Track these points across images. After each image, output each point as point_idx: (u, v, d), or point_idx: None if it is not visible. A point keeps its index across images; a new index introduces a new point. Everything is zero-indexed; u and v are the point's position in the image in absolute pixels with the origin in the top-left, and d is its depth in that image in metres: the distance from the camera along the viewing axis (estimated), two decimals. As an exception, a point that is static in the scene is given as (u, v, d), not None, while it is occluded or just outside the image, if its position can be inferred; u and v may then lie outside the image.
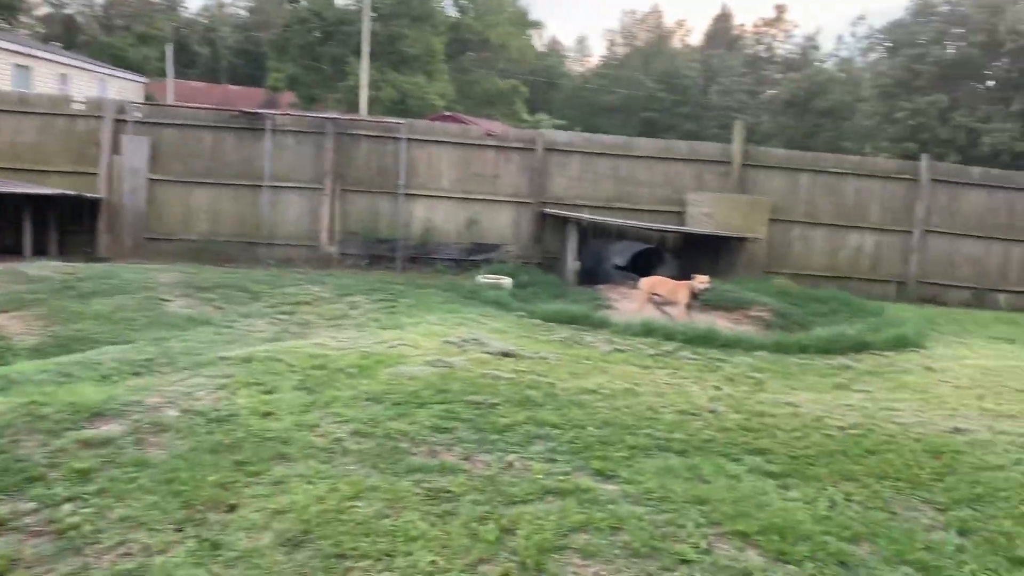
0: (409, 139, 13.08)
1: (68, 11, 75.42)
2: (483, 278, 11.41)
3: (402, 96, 50.45)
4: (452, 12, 57.58)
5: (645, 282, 10.18)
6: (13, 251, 12.32)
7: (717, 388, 6.88)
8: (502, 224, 13.47)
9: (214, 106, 16.14)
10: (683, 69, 64.16)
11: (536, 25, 66.05)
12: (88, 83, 31.98)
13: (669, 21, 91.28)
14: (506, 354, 7.38)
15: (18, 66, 26.02)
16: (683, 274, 12.20)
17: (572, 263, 12.10)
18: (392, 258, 13.07)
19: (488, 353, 7.36)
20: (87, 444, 4.57)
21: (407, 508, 4.03)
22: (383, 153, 13.15)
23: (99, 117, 12.75)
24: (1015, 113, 31.53)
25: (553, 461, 4.84)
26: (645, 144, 13.86)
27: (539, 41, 70.86)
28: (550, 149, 13.40)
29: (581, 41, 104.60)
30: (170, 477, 4.19)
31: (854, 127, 47.37)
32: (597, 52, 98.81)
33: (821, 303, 11.51)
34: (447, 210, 13.35)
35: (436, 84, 53.36)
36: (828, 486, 4.81)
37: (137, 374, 6.15)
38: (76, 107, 13.12)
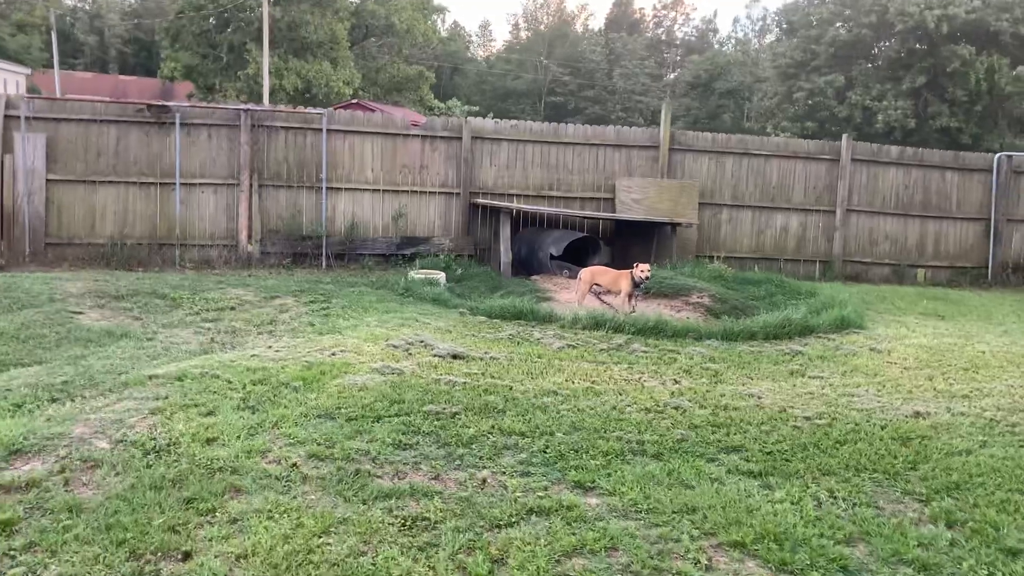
0: (329, 130, 12.49)
1: (-62, -2, 70.79)
2: (416, 273, 11.00)
3: (307, 84, 49.09)
4: (352, -1, 56.35)
5: (585, 272, 9.97)
6: None
7: (676, 382, 6.71)
8: (431, 216, 13.05)
9: (116, 99, 15.13)
10: (587, 53, 64.51)
11: (440, 10, 65.25)
12: (-38, 75, 29.78)
13: (571, 5, 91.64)
14: (455, 356, 7.05)
15: None
16: (617, 262, 12.08)
17: (506, 254, 11.80)
18: (317, 255, 12.50)
19: (436, 356, 7.01)
20: (7, 489, 4.05)
21: (384, 542, 3.68)
22: (303, 145, 12.52)
23: (-13, 113, 11.73)
24: (905, 91, 32.74)
25: (528, 475, 4.55)
26: (574, 130, 13.64)
27: (442, 26, 70.14)
28: (477, 137, 13.03)
29: (485, 26, 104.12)
30: (110, 523, 3.72)
31: (755, 107, 48.56)
32: (501, 37, 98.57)
33: (755, 286, 11.56)
34: (373, 203, 12.84)
35: (342, 71, 52.16)
36: (809, 483, 4.68)
37: (55, 400, 5.56)
38: (-41, 103, 12.03)
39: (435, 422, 5.26)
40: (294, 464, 4.47)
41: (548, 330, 8.38)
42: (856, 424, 5.78)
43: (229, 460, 4.44)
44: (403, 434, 5.02)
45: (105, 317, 8.15)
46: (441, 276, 10.97)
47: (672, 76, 64.42)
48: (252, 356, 6.66)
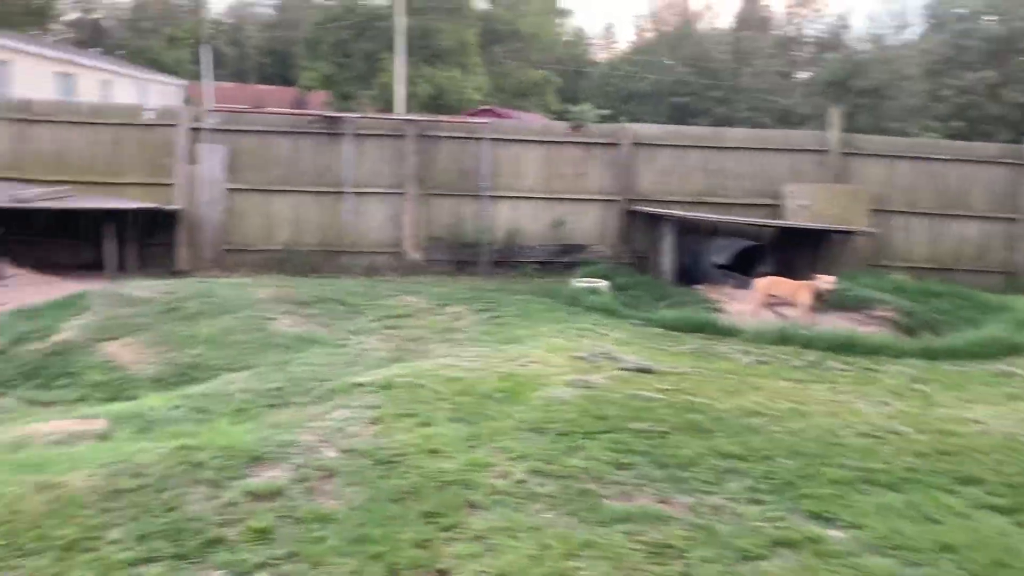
0: (491, 139, 12.62)
1: (96, 16, 76.16)
2: (578, 282, 10.95)
3: (439, 91, 50.07)
4: (481, 3, 57.08)
5: (761, 282, 9.63)
6: (94, 267, 12.09)
7: (885, 404, 6.34)
8: (588, 224, 12.98)
9: (290, 110, 15.81)
10: (712, 52, 62.95)
11: (565, 13, 65.29)
12: (129, 89, 31.88)
13: (697, 5, 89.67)
14: (644, 370, 6.91)
15: (60, 74, 25.92)
16: (781, 271, 11.63)
17: (671, 263, 11.57)
18: (478, 263, 12.65)
19: (625, 370, 6.90)
20: (256, 496, 4.19)
21: (636, 570, 3.58)
22: (465, 155, 12.72)
23: (173, 126, 12.47)
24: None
25: (760, 503, 4.36)
26: (735, 134, 13.27)
27: (566, 30, 70.12)
28: (637, 144, 12.85)
29: (608, 28, 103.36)
30: (360, 535, 3.79)
31: (895, 107, 46.04)
32: (624, 39, 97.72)
33: (938, 298, 10.88)
34: (532, 211, 12.89)
35: (472, 78, 52.93)
36: (1069, 523, 4.30)
37: (272, 406, 5.79)
38: (148, 116, 12.86)
39: (646, 441, 5.15)
40: (519, 480, 4.45)
41: (732, 344, 8.13)
42: (1103, 457, 5.29)
43: (457, 473, 4.46)
44: (617, 452, 4.93)
45: (296, 323, 8.47)
46: (604, 284, 10.87)
47: (803, 75, 62.02)
48: (447, 365, 6.73)
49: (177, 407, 5.59)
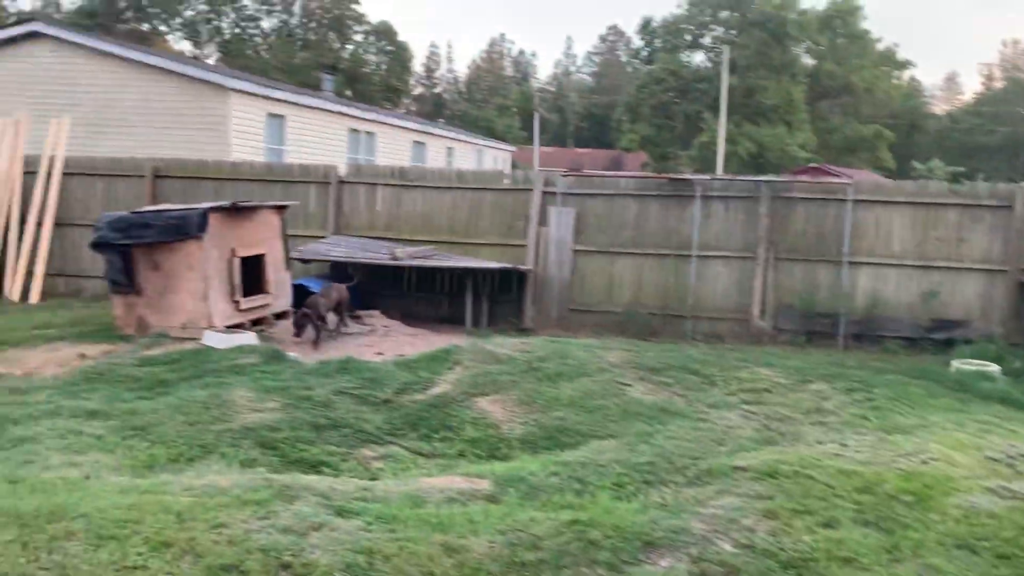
0: (855, 200, 11.66)
1: (436, 90, 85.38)
2: (960, 363, 9.57)
3: (759, 149, 48.71)
4: (807, 59, 54.92)
5: None
6: (449, 320, 12.93)
7: None
8: (968, 296, 11.40)
9: (640, 174, 16.06)
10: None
11: (905, 65, 60.51)
12: (468, 155, 34.88)
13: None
14: (1085, 481, 5.66)
15: (415, 142, 29.05)
16: None
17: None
18: (832, 334, 11.64)
19: (1058, 478, 5.70)
20: (658, 590, 3.87)
21: None
22: (822, 217, 11.85)
23: (529, 190, 13.07)
24: None
25: None
26: None
27: (900, 82, 65.00)
28: (1040, 205, 11.10)
29: (951, 79, 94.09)
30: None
31: None
32: (968, 89, 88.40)
33: None
34: (898, 280, 11.63)
35: (797, 134, 50.87)
36: None
37: (648, 483, 5.50)
38: (506, 182, 13.63)
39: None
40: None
41: None
42: None
43: (884, 594, 3.81)
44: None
45: (650, 391, 8.22)
46: (995, 369, 9.39)
47: None
48: (832, 455, 6.03)
49: (555, 474, 5.52)
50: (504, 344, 9.46)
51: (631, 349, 10.23)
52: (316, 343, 10.12)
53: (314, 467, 6.03)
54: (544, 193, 13.00)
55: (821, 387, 8.74)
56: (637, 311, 12.40)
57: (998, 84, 76.96)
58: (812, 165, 43.87)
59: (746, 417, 7.57)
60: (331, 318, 10.87)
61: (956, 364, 9.63)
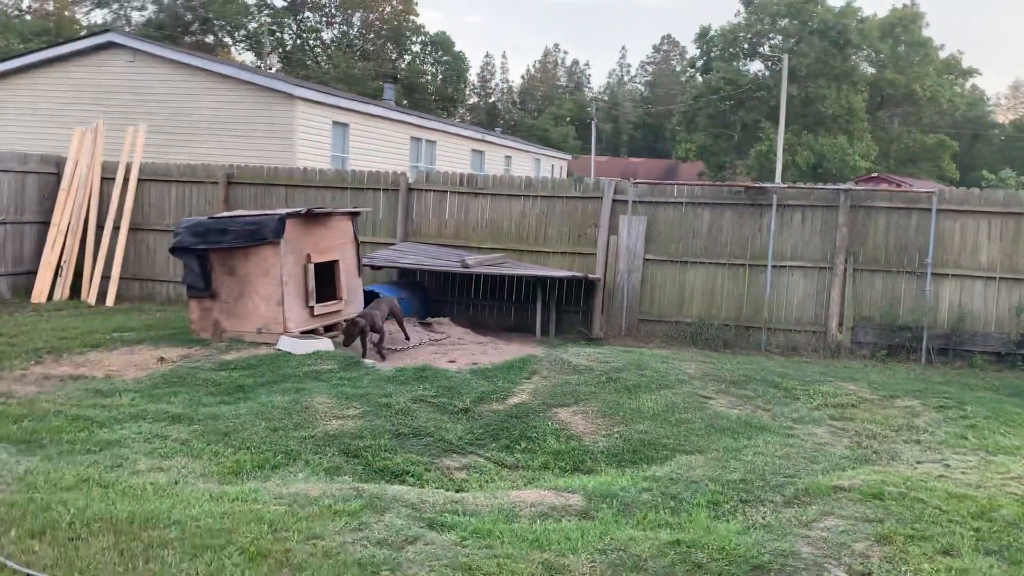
0: (939, 210, 11.23)
1: (491, 100, 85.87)
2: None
3: (818, 159, 47.77)
4: (868, 68, 53.72)
5: None
6: (517, 329, 12.81)
7: None
8: (1062, 311, 10.91)
9: (712, 182, 15.75)
10: None
11: (970, 73, 58.83)
12: (525, 163, 34.95)
13: None
14: None
15: (474, 151, 29.15)
16: None
17: None
18: (914, 348, 11.21)
19: None
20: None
21: None
22: (904, 227, 11.45)
23: (598, 198, 12.90)
24: None
25: None
26: None
27: (964, 91, 63.22)
28: None
29: (1016, 87, 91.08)
30: None
31: None
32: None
33: None
34: (986, 292, 11.17)
35: (857, 144, 49.76)
36: None
37: (744, 501, 5.29)
38: (576, 190, 13.48)
39: None
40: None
41: None
42: None
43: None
44: None
45: (733, 404, 7.98)
46: (1097, 387, 8.91)
47: None
48: (937, 476, 5.75)
49: (647, 490, 5.35)
50: (579, 354, 9.30)
51: (707, 361, 10.00)
52: (365, 354, 9.73)
53: (398, 476, 5.95)
54: (614, 201, 12.81)
55: (910, 403, 8.41)
56: (709, 322, 12.13)
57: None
58: (873, 175, 42.79)
59: (835, 433, 7.29)
60: (388, 328, 10.63)
61: (1053, 382, 9.18)
